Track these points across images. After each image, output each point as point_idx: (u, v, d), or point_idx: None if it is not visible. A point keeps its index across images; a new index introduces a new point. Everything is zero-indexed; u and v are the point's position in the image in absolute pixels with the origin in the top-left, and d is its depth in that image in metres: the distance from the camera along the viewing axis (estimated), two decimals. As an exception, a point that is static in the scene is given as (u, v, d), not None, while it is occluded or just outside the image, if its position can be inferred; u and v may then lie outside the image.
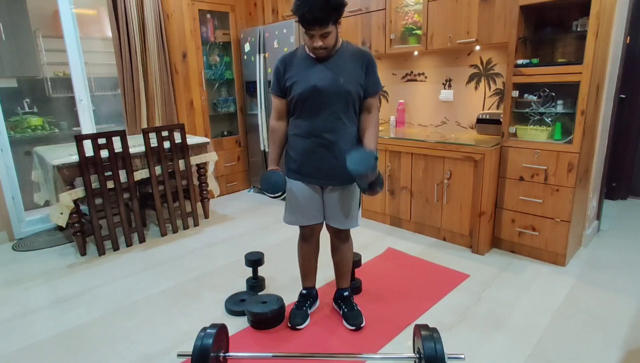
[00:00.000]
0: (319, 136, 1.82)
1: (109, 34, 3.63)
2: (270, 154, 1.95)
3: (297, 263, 2.18)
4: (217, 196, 4.37)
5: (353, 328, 2.01)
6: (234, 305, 2.21)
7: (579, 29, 2.45)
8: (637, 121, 3.70)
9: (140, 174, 3.11)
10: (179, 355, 1.69)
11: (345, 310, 2.08)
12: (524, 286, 2.38)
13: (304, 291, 2.17)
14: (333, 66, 1.77)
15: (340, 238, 2.04)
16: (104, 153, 2.89)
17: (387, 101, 3.82)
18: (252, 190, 4.66)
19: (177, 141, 3.27)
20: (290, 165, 1.93)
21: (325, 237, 2.11)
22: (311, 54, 1.79)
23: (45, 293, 2.50)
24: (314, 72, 1.77)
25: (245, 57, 4.23)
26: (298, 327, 2.03)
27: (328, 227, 2.03)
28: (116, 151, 2.93)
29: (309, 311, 2.15)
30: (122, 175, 3.01)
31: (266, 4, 4.24)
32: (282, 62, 1.85)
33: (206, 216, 3.75)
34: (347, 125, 1.83)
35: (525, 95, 2.65)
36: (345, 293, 2.14)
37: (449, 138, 3.00)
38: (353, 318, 2.03)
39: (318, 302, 2.24)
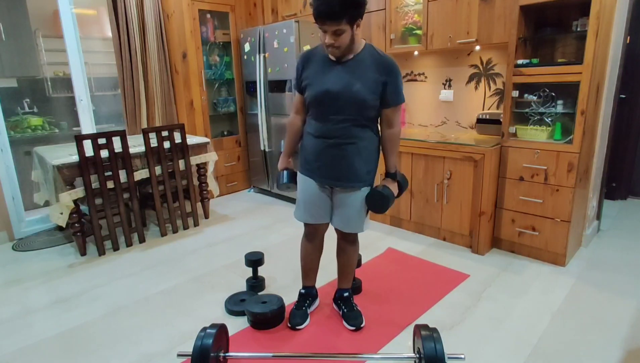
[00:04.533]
0: (329, 138, 1.80)
1: (109, 34, 3.63)
2: (285, 146, 2.03)
3: (298, 263, 2.18)
4: (217, 196, 4.37)
5: (353, 328, 2.01)
6: (234, 305, 2.21)
7: (579, 29, 2.45)
8: (637, 121, 3.70)
9: (140, 174, 3.11)
10: (179, 355, 1.69)
11: (345, 310, 2.08)
12: (524, 287, 2.38)
13: (303, 291, 2.16)
14: (350, 70, 1.72)
15: (347, 240, 2.03)
16: (104, 153, 2.89)
17: (387, 101, 3.81)
18: (252, 190, 4.66)
19: (177, 141, 3.27)
20: (302, 161, 1.94)
21: (330, 238, 2.11)
22: (331, 55, 1.75)
23: (45, 293, 2.50)
24: (329, 75, 1.73)
25: (245, 57, 4.23)
26: (298, 327, 2.03)
27: (337, 230, 2.02)
28: (116, 151, 2.93)
29: (309, 311, 2.15)
30: (122, 175, 3.01)
31: (266, 4, 4.24)
32: (302, 59, 1.85)
33: (206, 216, 3.75)
34: (358, 132, 1.79)
35: (525, 95, 2.65)
36: (346, 294, 2.13)
37: (449, 138, 3.00)
38: (353, 318, 2.03)
39: (318, 301, 2.24)
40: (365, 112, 1.76)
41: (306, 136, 1.90)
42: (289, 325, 2.05)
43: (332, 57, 1.75)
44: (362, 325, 2.02)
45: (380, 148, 1.92)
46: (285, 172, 1.98)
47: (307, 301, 2.14)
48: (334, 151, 1.81)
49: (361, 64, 1.72)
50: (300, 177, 1.95)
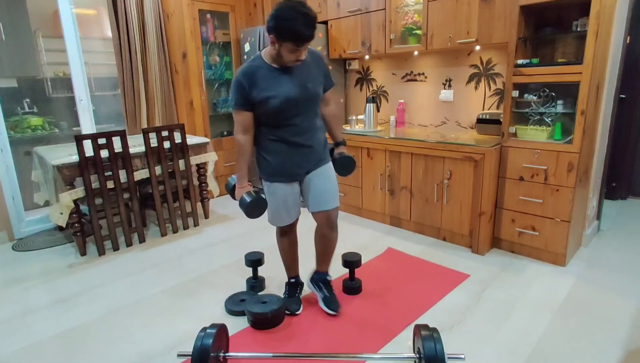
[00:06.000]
0: (297, 139, 1.88)
1: (109, 34, 3.64)
2: (241, 169, 1.92)
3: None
4: (217, 196, 4.37)
5: (333, 313, 2.10)
6: (234, 305, 2.22)
7: (579, 29, 2.45)
8: (637, 121, 3.70)
9: (140, 174, 3.11)
10: (179, 355, 1.69)
11: (327, 294, 2.17)
12: (524, 286, 2.38)
13: (293, 280, 2.27)
14: (298, 73, 1.82)
15: (331, 226, 2.05)
16: (104, 153, 2.89)
17: (387, 101, 3.82)
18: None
19: (177, 141, 3.27)
20: (270, 170, 1.94)
21: (305, 228, 2.11)
22: (274, 64, 1.80)
23: (45, 293, 2.50)
24: (283, 83, 1.79)
25: (245, 57, 4.23)
26: (297, 312, 2.16)
27: (319, 215, 2.02)
28: (116, 151, 2.93)
29: (300, 297, 2.27)
30: (122, 175, 3.01)
31: (266, 4, 4.24)
32: (244, 76, 1.78)
33: (206, 216, 3.75)
34: (316, 122, 1.96)
35: (525, 95, 2.65)
36: (328, 277, 2.21)
37: (449, 138, 3.00)
38: (334, 302, 2.15)
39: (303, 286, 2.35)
40: (317, 104, 1.95)
41: (271, 143, 1.89)
42: (288, 311, 2.15)
43: (276, 66, 1.79)
44: (339, 310, 2.14)
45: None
46: (247, 194, 1.88)
47: (298, 289, 2.25)
48: (303, 149, 1.91)
49: (305, 64, 1.84)
50: (270, 187, 1.95)
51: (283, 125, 1.85)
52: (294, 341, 1.95)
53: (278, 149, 1.90)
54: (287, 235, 2.14)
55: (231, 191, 1.98)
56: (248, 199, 1.85)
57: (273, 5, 4.16)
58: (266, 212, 2.01)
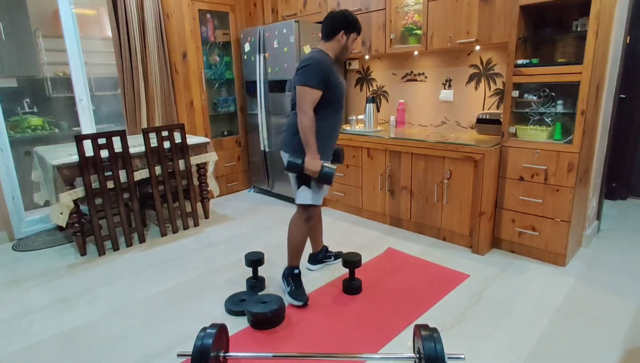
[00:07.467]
0: (338, 126, 2.23)
1: (109, 34, 3.63)
2: (314, 143, 2.08)
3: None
4: (217, 196, 4.37)
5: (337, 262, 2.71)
6: (234, 305, 2.22)
7: (579, 29, 2.45)
8: (637, 121, 3.70)
9: (140, 174, 3.11)
10: (179, 355, 1.69)
11: (333, 261, 2.73)
12: (524, 287, 2.38)
13: (297, 271, 2.32)
14: (337, 69, 2.19)
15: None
16: (104, 153, 2.89)
17: (387, 101, 3.82)
18: (252, 190, 4.66)
19: (177, 141, 3.27)
20: (321, 151, 2.15)
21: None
22: (332, 57, 2.17)
23: (45, 293, 2.50)
24: (340, 75, 2.18)
25: (245, 57, 4.23)
26: (308, 302, 2.25)
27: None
28: (116, 151, 2.93)
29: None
30: (122, 175, 3.01)
31: (266, 4, 4.24)
32: (327, 63, 2.09)
33: (206, 216, 3.75)
34: None
35: (525, 95, 2.65)
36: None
37: (449, 137, 3.00)
38: (337, 256, 2.74)
39: None
40: None
41: (329, 129, 2.18)
42: (301, 303, 2.22)
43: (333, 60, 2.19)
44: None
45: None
46: (328, 167, 2.10)
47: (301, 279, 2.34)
48: (338, 132, 2.27)
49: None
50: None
51: (336, 110, 2.17)
52: (294, 341, 1.95)
53: (327, 131, 2.16)
54: (314, 219, 2.30)
55: (300, 166, 2.11)
56: (335, 167, 2.13)
57: (273, 5, 4.18)
58: (301, 192, 2.21)
